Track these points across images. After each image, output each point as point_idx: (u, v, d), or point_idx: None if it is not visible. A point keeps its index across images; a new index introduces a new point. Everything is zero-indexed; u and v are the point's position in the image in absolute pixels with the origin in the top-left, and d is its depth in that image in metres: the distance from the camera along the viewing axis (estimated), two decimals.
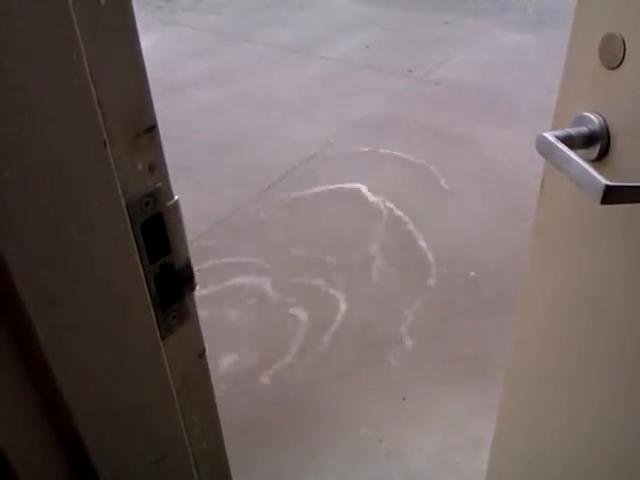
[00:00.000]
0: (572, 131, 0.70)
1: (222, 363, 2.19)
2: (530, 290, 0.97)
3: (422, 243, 2.74)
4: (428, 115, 3.82)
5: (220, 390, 1.98)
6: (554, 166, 0.68)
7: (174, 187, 0.61)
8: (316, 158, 3.40)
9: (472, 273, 2.57)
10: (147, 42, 4.67)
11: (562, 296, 0.88)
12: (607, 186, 0.60)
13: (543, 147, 0.68)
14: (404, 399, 2.05)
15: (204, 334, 0.71)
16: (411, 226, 2.85)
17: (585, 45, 0.69)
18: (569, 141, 0.68)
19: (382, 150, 3.45)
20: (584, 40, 0.70)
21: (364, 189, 3.11)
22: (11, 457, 0.52)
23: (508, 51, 4.66)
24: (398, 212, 2.92)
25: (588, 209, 0.76)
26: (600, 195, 0.61)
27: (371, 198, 3.04)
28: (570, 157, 0.65)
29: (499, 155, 3.36)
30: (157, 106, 0.57)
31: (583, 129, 0.70)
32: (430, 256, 2.67)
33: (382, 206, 2.98)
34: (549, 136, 0.68)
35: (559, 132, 0.69)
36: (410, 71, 4.37)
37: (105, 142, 0.50)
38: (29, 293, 0.49)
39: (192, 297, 0.67)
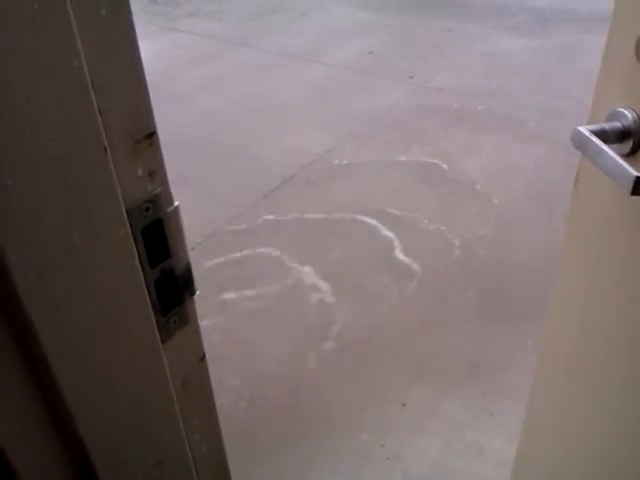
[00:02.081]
0: (606, 126, 0.72)
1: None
2: (563, 288, 0.97)
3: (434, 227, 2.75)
4: (429, 121, 3.83)
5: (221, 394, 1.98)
6: (587, 158, 0.70)
7: (174, 193, 0.62)
8: (316, 165, 3.40)
9: (473, 276, 2.58)
10: (148, 48, 4.70)
11: (599, 293, 0.87)
12: (637, 177, 0.63)
13: (577, 141, 0.70)
14: (404, 405, 2.05)
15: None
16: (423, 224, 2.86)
17: (622, 43, 0.71)
18: (603, 135, 0.70)
19: (383, 157, 3.46)
20: (621, 38, 0.72)
21: (367, 205, 3.11)
22: (13, 460, 0.53)
23: (509, 57, 4.67)
24: (387, 232, 2.92)
25: (622, 203, 0.77)
26: (631, 186, 0.63)
27: (372, 212, 3.05)
28: (603, 150, 0.67)
29: (502, 161, 3.37)
30: (157, 112, 0.58)
31: (617, 124, 0.72)
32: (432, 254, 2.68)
33: (381, 220, 2.98)
34: (583, 130, 0.70)
35: (593, 126, 0.71)
36: (411, 77, 4.38)
37: (106, 149, 0.51)
38: (31, 297, 0.50)
39: (192, 301, 0.68)
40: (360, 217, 2.96)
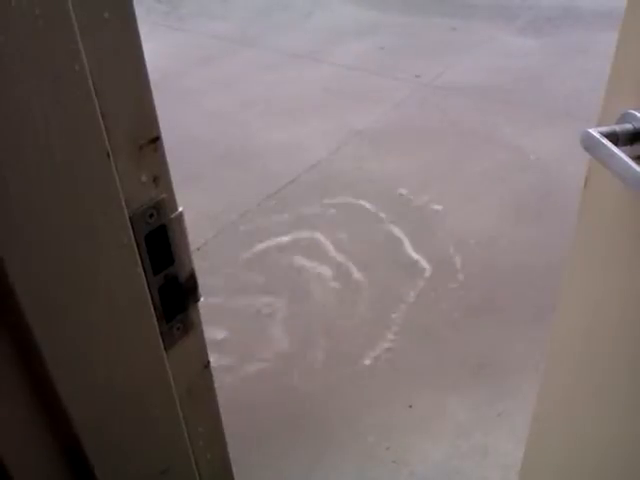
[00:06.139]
0: (617, 128, 0.71)
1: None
2: (571, 289, 0.96)
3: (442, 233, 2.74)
4: (435, 120, 3.81)
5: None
6: (597, 161, 0.69)
7: (179, 193, 0.61)
8: (320, 166, 3.39)
9: (480, 276, 2.56)
10: (153, 48, 4.68)
11: (607, 295, 0.87)
12: None
13: (587, 143, 0.69)
14: (411, 406, 2.04)
15: None
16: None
17: (634, 43, 0.70)
18: (613, 137, 0.69)
19: (387, 158, 3.44)
20: (633, 38, 0.71)
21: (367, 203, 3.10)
22: (12, 470, 0.52)
23: (515, 56, 4.65)
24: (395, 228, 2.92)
25: (632, 206, 0.76)
26: None
27: (373, 210, 3.04)
28: (613, 152, 0.66)
29: (507, 160, 3.35)
30: (162, 112, 0.57)
31: (628, 126, 0.71)
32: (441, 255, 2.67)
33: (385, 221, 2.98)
34: (594, 132, 0.69)
35: (604, 128, 0.70)
36: (417, 76, 4.36)
37: (109, 154, 0.50)
38: (31, 305, 0.49)
39: (196, 308, 0.67)
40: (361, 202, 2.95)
